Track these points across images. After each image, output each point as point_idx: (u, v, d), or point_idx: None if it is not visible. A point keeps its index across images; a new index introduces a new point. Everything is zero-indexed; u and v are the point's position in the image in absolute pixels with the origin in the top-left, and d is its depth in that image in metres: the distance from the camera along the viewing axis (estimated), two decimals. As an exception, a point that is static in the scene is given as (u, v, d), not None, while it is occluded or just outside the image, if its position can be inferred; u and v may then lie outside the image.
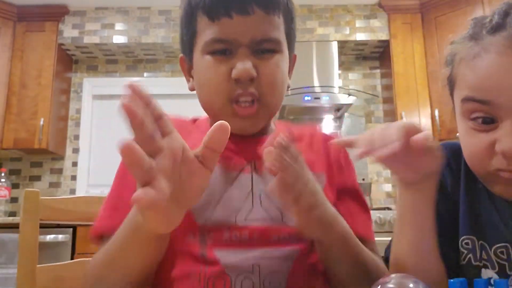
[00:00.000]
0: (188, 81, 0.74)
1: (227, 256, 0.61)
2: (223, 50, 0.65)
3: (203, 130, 0.70)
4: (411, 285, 0.38)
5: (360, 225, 0.68)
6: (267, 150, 0.52)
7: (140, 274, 0.58)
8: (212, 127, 0.46)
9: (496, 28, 0.58)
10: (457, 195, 0.68)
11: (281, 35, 0.68)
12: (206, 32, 0.66)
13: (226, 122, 0.46)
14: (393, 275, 0.41)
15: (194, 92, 0.73)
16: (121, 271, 0.58)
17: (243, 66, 0.63)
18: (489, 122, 0.57)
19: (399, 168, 0.57)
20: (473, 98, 0.58)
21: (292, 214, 0.56)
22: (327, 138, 0.75)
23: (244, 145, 0.70)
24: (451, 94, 0.66)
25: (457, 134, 0.67)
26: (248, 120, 0.67)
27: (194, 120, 0.77)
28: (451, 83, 0.65)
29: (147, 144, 0.42)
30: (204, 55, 0.66)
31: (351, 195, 0.72)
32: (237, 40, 0.64)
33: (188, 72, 0.74)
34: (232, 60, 0.65)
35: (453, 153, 0.69)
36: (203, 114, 0.75)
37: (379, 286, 0.39)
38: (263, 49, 0.66)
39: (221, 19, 0.64)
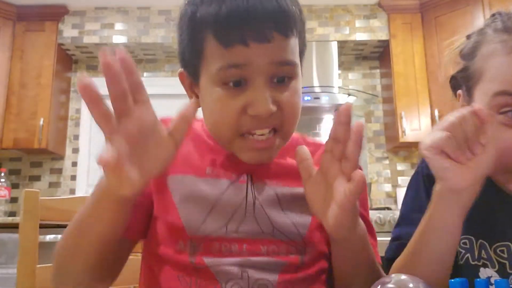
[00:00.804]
0: (190, 97, 0.68)
1: (215, 263, 0.60)
2: (236, 81, 0.58)
3: (199, 135, 0.70)
4: (411, 285, 0.38)
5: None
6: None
7: (102, 243, 0.57)
8: (184, 104, 0.50)
9: None
10: None
11: (297, 57, 0.62)
12: (217, 58, 0.59)
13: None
14: (393, 275, 0.41)
15: None
16: (86, 238, 0.57)
17: (262, 103, 0.57)
18: None
19: (454, 170, 0.53)
20: (508, 92, 0.57)
21: (336, 209, 0.52)
22: None
23: None
24: (469, 88, 0.64)
25: None
26: (264, 152, 0.62)
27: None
28: (473, 77, 0.63)
29: (118, 102, 0.44)
30: (214, 86, 0.60)
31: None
32: (252, 66, 0.57)
33: (189, 87, 0.67)
34: (247, 92, 0.58)
35: None
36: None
37: (379, 285, 0.39)
38: (281, 76, 0.60)
39: (236, 46, 0.57)
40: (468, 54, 0.65)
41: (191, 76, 0.66)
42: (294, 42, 0.61)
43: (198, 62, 0.62)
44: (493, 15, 0.65)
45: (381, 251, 0.70)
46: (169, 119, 0.69)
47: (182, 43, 0.65)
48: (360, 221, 0.59)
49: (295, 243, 0.63)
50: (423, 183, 0.71)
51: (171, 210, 0.63)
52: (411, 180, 0.75)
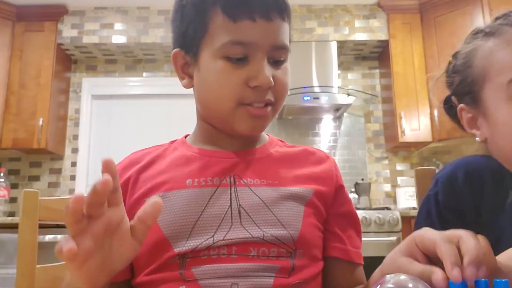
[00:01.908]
0: (182, 78, 0.70)
1: (204, 274, 0.59)
2: (239, 57, 0.63)
3: (176, 149, 0.71)
4: (410, 285, 0.38)
5: (354, 250, 0.68)
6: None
7: None
8: (146, 203, 0.49)
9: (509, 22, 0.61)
10: (478, 216, 0.64)
11: (288, 42, 0.68)
12: (223, 32, 0.62)
13: (160, 201, 0.50)
14: (392, 275, 0.40)
15: (192, 91, 0.72)
16: None
17: (266, 74, 0.62)
18: None
19: None
20: None
21: None
22: (326, 156, 0.74)
23: (228, 155, 0.68)
24: (475, 96, 0.65)
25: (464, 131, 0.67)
26: (259, 120, 0.66)
27: (172, 142, 0.75)
28: (477, 81, 0.64)
29: (95, 208, 0.46)
30: (216, 59, 0.63)
31: (349, 221, 0.71)
32: (256, 45, 0.62)
33: (181, 68, 0.70)
34: (248, 67, 0.63)
35: (474, 170, 0.66)
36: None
37: (378, 286, 0.39)
38: (277, 57, 0.65)
39: (244, 21, 0.62)
40: (463, 65, 0.67)
41: (189, 54, 0.67)
42: (287, 27, 0.67)
43: (201, 37, 0.65)
44: (472, 32, 0.68)
45: (379, 251, 0.70)
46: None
47: (183, 21, 0.67)
48: None
49: (287, 246, 0.62)
50: (435, 209, 0.68)
51: (154, 230, 0.61)
52: (421, 207, 0.72)
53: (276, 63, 0.65)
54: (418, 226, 0.70)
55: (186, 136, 0.76)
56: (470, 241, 0.43)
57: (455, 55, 0.70)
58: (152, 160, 0.70)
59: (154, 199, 0.50)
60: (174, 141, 0.75)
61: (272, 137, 0.76)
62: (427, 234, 0.46)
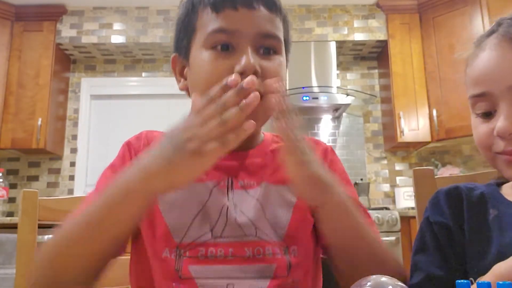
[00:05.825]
0: (178, 81, 0.72)
1: (201, 273, 0.60)
2: (224, 45, 0.63)
3: None
4: (390, 287, 0.38)
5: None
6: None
7: (117, 239, 0.56)
8: None
9: (491, 32, 0.66)
10: (461, 231, 0.66)
11: (281, 35, 0.67)
12: (208, 24, 0.64)
13: None
14: (374, 276, 0.40)
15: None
16: (103, 233, 0.54)
17: (250, 59, 0.61)
18: (489, 114, 0.63)
19: None
20: (473, 94, 0.64)
21: (287, 168, 0.56)
22: (320, 143, 0.75)
23: (224, 158, 0.67)
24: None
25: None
26: (251, 117, 0.64)
27: None
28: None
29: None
30: (203, 50, 0.64)
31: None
32: (240, 32, 0.62)
33: (179, 72, 0.72)
34: (234, 56, 0.62)
35: (452, 195, 0.69)
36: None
37: (358, 287, 0.39)
38: (266, 46, 0.64)
39: (226, 10, 0.63)
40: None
41: (182, 55, 0.69)
42: (278, 21, 0.67)
43: (190, 37, 0.67)
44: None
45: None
46: (154, 132, 0.73)
47: (178, 30, 0.70)
48: (335, 183, 0.59)
49: (279, 244, 0.63)
50: (428, 227, 0.70)
51: (157, 218, 0.63)
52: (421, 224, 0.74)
53: (267, 54, 0.64)
54: (414, 248, 0.71)
55: None
56: None
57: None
58: None
59: None
60: None
61: (267, 135, 0.76)
62: None
